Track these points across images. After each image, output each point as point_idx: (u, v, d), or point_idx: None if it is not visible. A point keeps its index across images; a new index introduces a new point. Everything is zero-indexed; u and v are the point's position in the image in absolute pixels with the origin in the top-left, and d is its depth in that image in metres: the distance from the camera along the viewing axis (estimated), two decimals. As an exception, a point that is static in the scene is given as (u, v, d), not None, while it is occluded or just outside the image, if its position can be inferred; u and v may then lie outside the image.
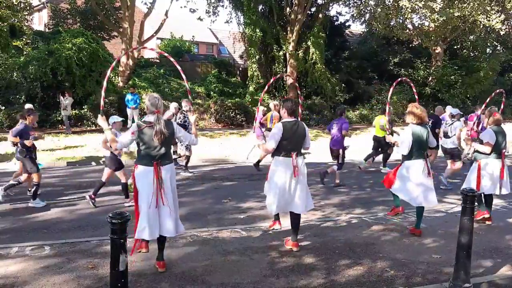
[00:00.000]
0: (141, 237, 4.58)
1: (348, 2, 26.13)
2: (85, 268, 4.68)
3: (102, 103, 5.20)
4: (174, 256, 5.10)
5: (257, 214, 7.05)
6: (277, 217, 6.09)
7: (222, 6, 24.91)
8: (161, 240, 4.71)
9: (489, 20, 21.42)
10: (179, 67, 5.38)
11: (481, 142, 6.52)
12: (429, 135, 6.00)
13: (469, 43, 29.40)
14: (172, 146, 5.00)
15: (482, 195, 6.64)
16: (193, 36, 39.44)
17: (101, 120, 4.87)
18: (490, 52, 31.39)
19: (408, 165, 5.93)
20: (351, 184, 9.67)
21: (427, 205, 6.02)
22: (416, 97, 7.33)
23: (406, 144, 5.87)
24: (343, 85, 25.65)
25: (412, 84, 7.53)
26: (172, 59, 5.63)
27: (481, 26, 23.87)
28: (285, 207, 5.33)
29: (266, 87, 6.74)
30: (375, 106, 24.95)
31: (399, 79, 7.83)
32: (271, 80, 7.57)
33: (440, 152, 10.04)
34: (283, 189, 5.21)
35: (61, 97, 17.47)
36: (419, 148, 5.87)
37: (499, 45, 31.44)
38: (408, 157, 5.93)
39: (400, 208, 6.19)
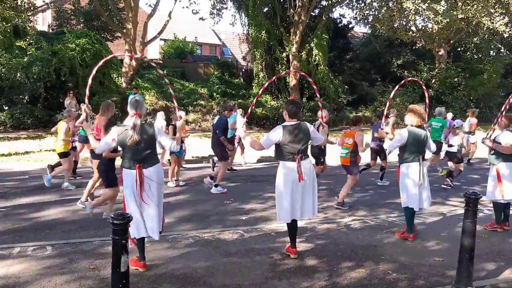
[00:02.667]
0: (133, 236, 4.60)
1: (351, 4, 26.14)
2: (87, 269, 4.68)
3: (86, 101, 5.17)
4: (176, 257, 5.09)
5: (259, 216, 7.04)
6: (293, 244, 5.24)
7: (226, 8, 24.94)
8: (142, 240, 4.71)
9: (492, 23, 21.40)
10: (160, 71, 5.47)
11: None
12: (428, 139, 5.85)
13: (472, 45, 29.37)
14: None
15: (493, 203, 6.47)
16: (195, 37, 39.50)
17: (86, 126, 5.00)
18: (494, 54, 31.33)
19: (404, 172, 5.79)
20: (354, 187, 9.62)
21: (417, 209, 5.88)
22: (426, 94, 7.16)
23: (397, 141, 5.73)
24: (346, 86, 25.65)
25: (424, 87, 7.37)
26: (153, 64, 5.77)
27: (485, 29, 23.85)
28: (294, 215, 5.08)
29: (266, 84, 6.66)
30: (378, 108, 24.92)
31: (408, 78, 7.71)
32: (274, 78, 7.51)
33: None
34: (288, 195, 5.03)
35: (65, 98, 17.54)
36: (416, 151, 5.72)
37: (503, 48, 31.40)
38: (404, 159, 5.79)
39: (411, 235, 6.00)
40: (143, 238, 4.68)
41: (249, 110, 6.30)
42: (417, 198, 5.75)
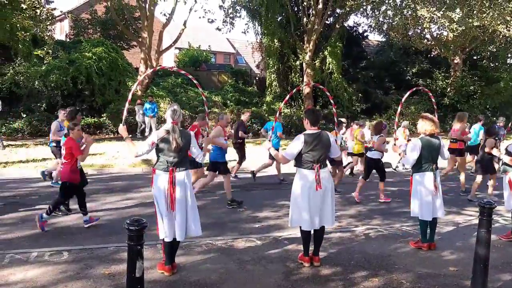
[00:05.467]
0: (162, 237, 4.74)
1: (366, 13, 26.11)
2: (102, 275, 4.74)
3: (125, 114, 5.41)
4: (189, 264, 5.13)
5: (272, 224, 7.05)
6: (306, 253, 5.26)
7: (239, 16, 25.08)
8: (169, 244, 4.80)
9: (509, 30, 21.15)
10: (196, 81, 5.62)
11: (509, 155, 6.36)
12: (442, 147, 5.83)
13: (488, 53, 29.04)
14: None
15: None
16: (210, 46, 39.79)
17: (122, 129, 5.12)
18: (511, 62, 30.94)
19: (418, 180, 5.75)
20: (369, 195, 9.59)
21: (430, 219, 5.81)
22: (435, 107, 7.15)
23: (414, 154, 5.71)
24: (360, 95, 25.59)
25: (430, 94, 7.40)
26: (190, 76, 6.08)
27: (501, 36, 23.56)
28: (307, 223, 5.04)
29: (288, 97, 6.74)
30: (392, 117, 24.75)
31: (415, 88, 7.71)
32: (294, 90, 7.63)
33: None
34: (304, 203, 5.02)
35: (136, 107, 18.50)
36: (429, 160, 5.70)
37: (519, 56, 30.99)
38: (417, 168, 5.77)
39: (425, 245, 5.88)
40: (171, 242, 4.76)
41: (274, 124, 6.64)
42: (431, 207, 5.71)
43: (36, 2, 17.52)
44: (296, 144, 5.08)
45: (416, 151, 5.70)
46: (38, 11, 17.87)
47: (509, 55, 30.39)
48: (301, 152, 5.07)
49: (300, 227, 5.16)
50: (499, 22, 20.98)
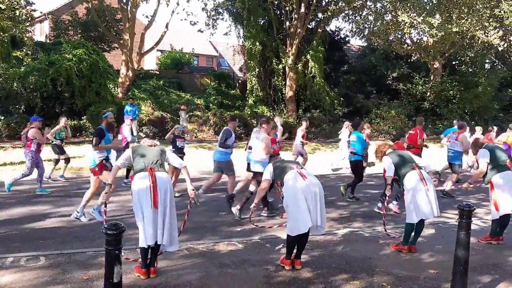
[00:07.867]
0: (143, 245, 4.65)
1: (347, 17, 26.36)
2: (80, 280, 4.64)
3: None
4: (170, 268, 5.06)
5: (253, 227, 7.01)
6: (289, 256, 5.19)
7: (222, 19, 25.07)
8: (145, 248, 4.73)
9: (487, 36, 21.58)
10: None
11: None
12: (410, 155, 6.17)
13: (467, 58, 29.59)
14: None
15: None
16: (192, 49, 39.69)
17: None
18: (489, 67, 31.57)
19: (408, 184, 5.76)
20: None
21: (430, 217, 5.79)
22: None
23: (389, 167, 5.99)
24: (341, 98, 25.78)
25: None
26: None
27: (480, 42, 24.03)
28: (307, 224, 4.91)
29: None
30: (373, 120, 24.99)
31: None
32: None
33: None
34: (298, 202, 4.94)
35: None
36: (408, 161, 5.92)
37: (497, 61, 31.63)
38: (402, 175, 5.85)
39: (406, 247, 5.91)
40: (149, 246, 4.69)
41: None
42: (430, 205, 5.64)
43: (15, 2, 17.22)
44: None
45: (391, 166, 5.97)
46: (18, 12, 17.57)
47: (487, 61, 31.01)
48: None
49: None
50: (477, 28, 21.40)
